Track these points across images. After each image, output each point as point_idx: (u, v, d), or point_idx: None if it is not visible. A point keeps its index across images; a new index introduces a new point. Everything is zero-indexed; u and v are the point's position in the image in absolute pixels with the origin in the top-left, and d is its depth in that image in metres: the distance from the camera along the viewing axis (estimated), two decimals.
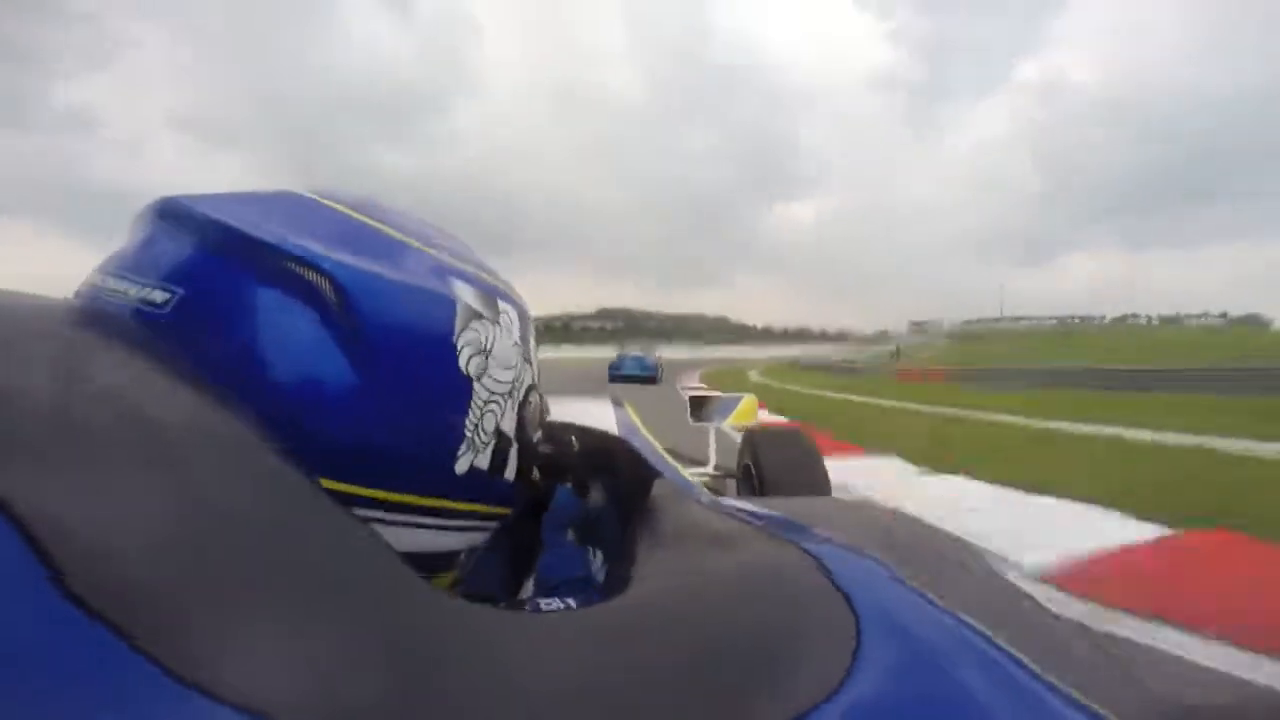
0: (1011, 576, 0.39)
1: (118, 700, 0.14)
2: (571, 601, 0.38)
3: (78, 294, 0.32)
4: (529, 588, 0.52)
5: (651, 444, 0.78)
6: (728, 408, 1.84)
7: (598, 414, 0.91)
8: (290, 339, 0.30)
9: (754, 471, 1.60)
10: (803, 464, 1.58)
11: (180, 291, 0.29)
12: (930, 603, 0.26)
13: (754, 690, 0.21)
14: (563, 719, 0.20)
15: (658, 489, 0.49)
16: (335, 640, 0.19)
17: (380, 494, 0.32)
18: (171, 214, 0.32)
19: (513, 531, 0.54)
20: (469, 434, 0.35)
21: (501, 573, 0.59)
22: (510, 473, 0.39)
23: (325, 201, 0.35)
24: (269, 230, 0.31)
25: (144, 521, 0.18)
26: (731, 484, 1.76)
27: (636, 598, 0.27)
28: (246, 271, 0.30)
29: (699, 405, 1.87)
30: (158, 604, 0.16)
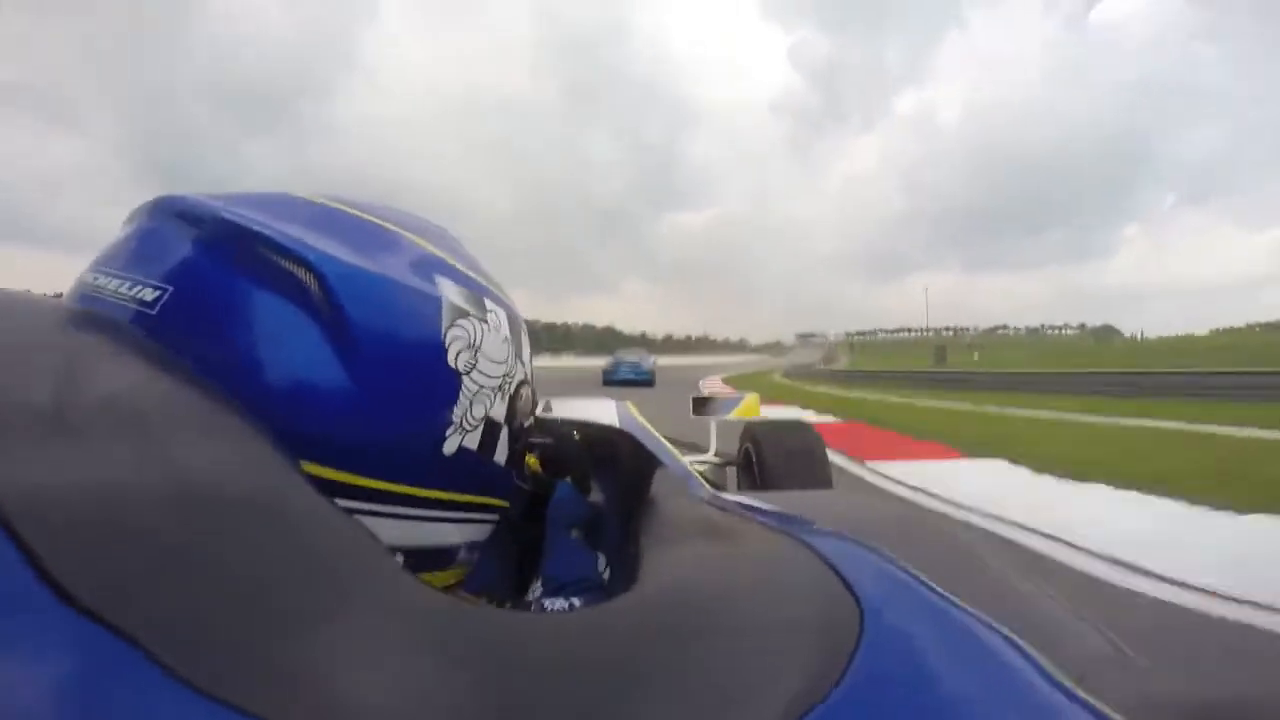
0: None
1: (105, 694, 0.14)
2: (577, 601, 0.38)
3: (69, 293, 0.33)
4: (537, 589, 0.53)
5: (652, 432, 0.78)
6: (729, 406, 1.81)
7: (599, 412, 0.94)
8: (278, 333, 0.30)
9: (754, 459, 1.57)
10: (804, 453, 1.55)
11: (170, 289, 0.30)
12: (936, 595, 0.26)
13: (761, 686, 0.21)
14: (566, 719, 0.20)
15: (658, 482, 0.50)
16: (331, 641, 0.19)
17: (374, 483, 0.32)
18: (165, 211, 0.32)
19: (518, 532, 0.57)
20: (456, 419, 0.36)
21: (508, 574, 0.60)
22: (501, 456, 0.40)
23: (319, 200, 0.36)
24: (262, 223, 0.31)
25: (138, 520, 0.18)
26: (732, 472, 1.73)
27: (640, 597, 0.27)
28: (237, 267, 0.30)
29: (701, 402, 1.84)
30: (149, 599, 0.16)
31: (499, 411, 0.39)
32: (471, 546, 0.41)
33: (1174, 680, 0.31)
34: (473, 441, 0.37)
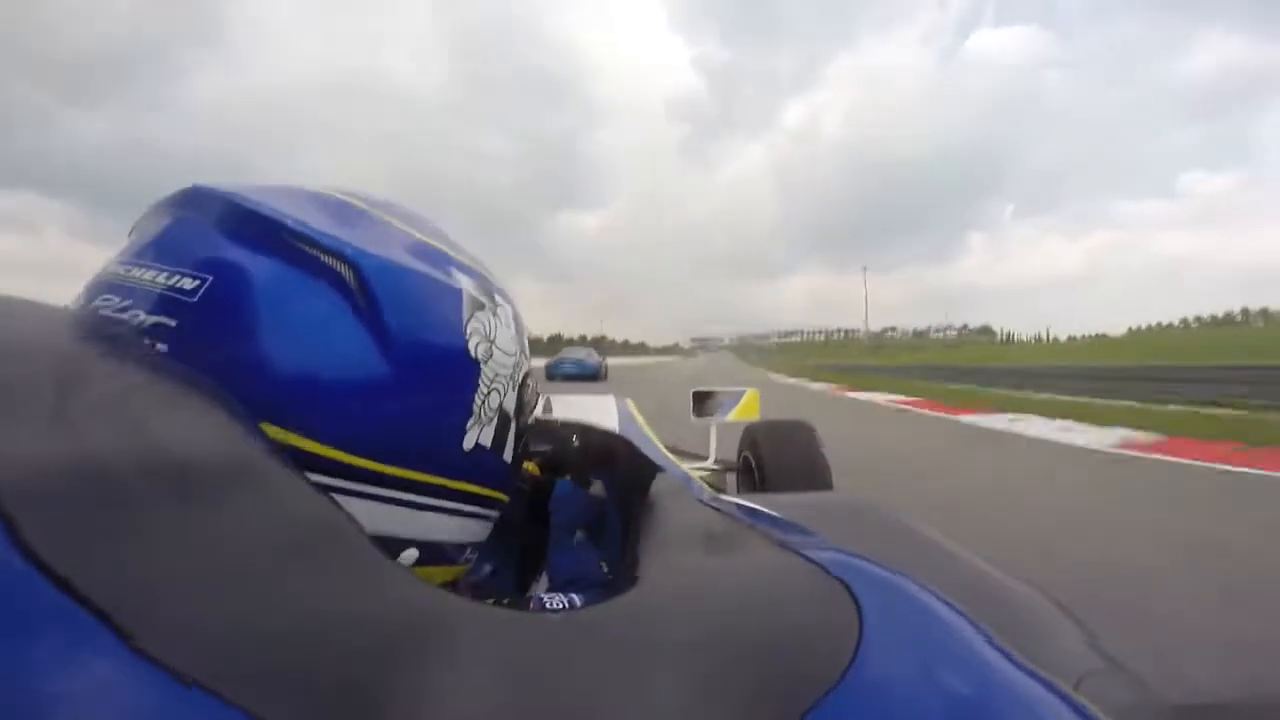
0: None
1: (85, 673, 0.14)
2: (577, 598, 0.38)
3: (93, 284, 0.32)
4: (538, 586, 0.52)
5: (651, 440, 0.79)
6: (730, 404, 1.83)
7: (599, 409, 0.93)
8: (318, 324, 0.31)
9: (754, 465, 1.58)
10: (804, 457, 1.57)
11: (209, 278, 0.30)
12: (932, 597, 0.26)
13: (758, 687, 0.21)
14: (563, 717, 0.19)
15: (658, 485, 0.50)
16: (322, 633, 0.18)
17: (398, 471, 0.33)
18: (196, 202, 0.33)
19: (520, 533, 0.56)
20: (476, 409, 0.37)
21: (510, 574, 0.59)
22: (508, 454, 0.41)
23: (335, 194, 0.37)
24: (292, 218, 0.32)
25: (128, 505, 0.18)
26: (731, 478, 1.74)
27: (640, 597, 0.27)
28: (275, 259, 0.31)
29: (701, 401, 1.84)
30: (142, 592, 0.16)
31: (510, 404, 0.40)
32: (473, 546, 0.41)
33: (1163, 686, 0.32)
34: (488, 430, 0.38)
